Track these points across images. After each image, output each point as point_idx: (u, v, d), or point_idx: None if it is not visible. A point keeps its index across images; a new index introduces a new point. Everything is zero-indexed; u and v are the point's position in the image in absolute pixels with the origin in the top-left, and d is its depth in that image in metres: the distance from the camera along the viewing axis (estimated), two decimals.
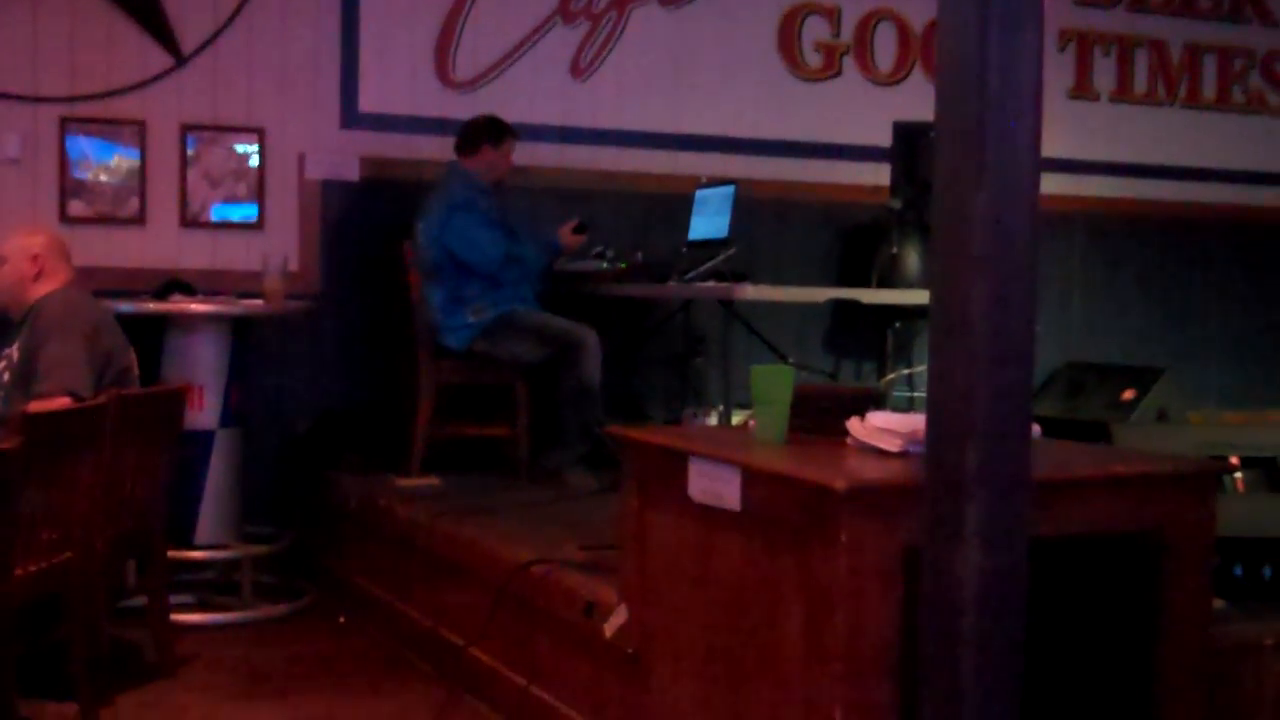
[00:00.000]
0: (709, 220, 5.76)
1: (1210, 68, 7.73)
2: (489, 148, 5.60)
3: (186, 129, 5.77)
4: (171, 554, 4.63)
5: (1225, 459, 3.61)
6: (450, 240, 5.42)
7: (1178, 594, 2.90)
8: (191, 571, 5.27)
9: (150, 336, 5.11)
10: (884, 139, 6.30)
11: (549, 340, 5.41)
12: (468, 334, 5.45)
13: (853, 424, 2.98)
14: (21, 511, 3.60)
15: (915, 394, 6.20)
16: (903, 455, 2.82)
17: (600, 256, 5.95)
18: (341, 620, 5.11)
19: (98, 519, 3.95)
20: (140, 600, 4.52)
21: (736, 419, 5.04)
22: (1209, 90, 7.73)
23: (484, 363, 5.51)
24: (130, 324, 4.65)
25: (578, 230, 5.72)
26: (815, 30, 6.83)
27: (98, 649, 3.97)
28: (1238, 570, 3.45)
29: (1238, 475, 3.73)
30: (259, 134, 5.87)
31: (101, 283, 5.15)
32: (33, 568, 3.69)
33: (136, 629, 4.53)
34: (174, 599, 4.73)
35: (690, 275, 5.42)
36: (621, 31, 6.45)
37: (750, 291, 5.12)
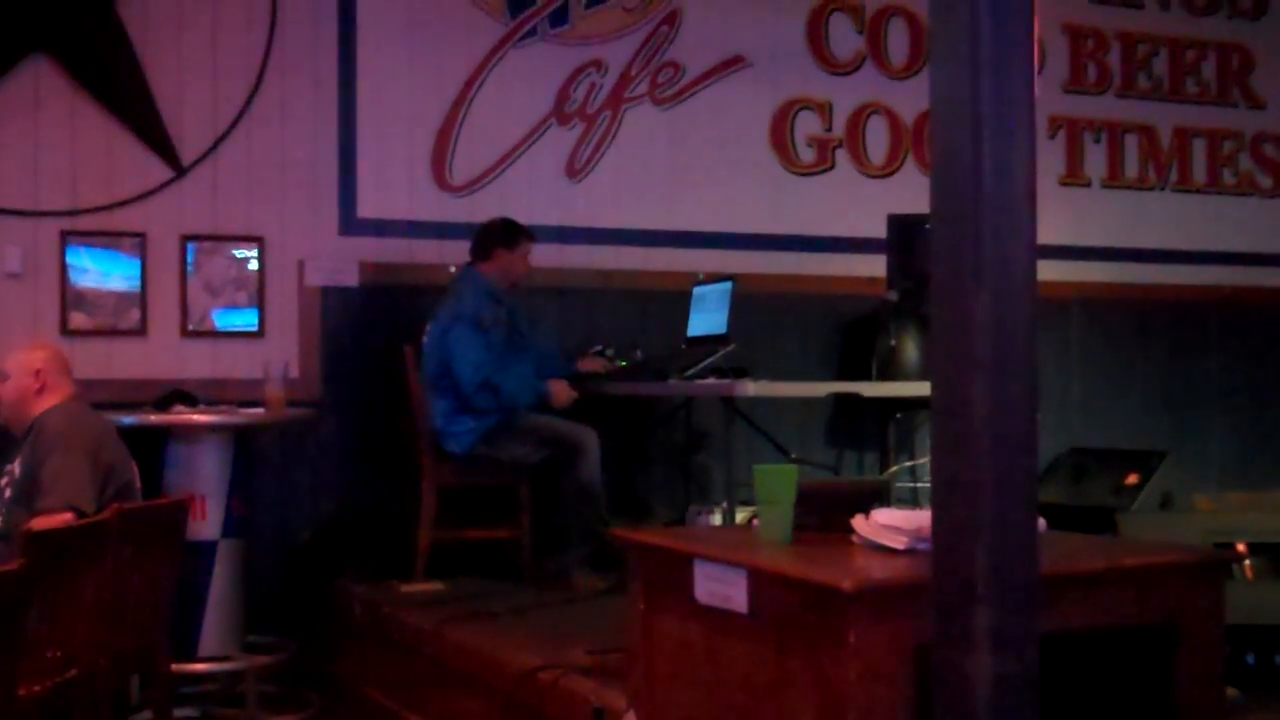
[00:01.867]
0: (708, 316, 5.78)
1: (1200, 151, 7.80)
2: (502, 251, 5.61)
3: (186, 239, 5.80)
4: (175, 667, 4.60)
5: (1233, 546, 3.59)
6: (446, 348, 5.44)
7: (1191, 685, 2.87)
8: (195, 684, 5.23)
9: (152, 447, 5.11)
10: (879, 230, 6.33)
11: (549, 442, 5.41)
12: (469, 439, 5.45)
13: (858, 521, 2.97)
14: (26, 631, 3.58)
15: (919, 484, 6.18)
16: (909, 553, 2.81)
17: (600, 355, 5.97)
18: None
19: (102, 635, 3.92)
20: (145, 715, 4.47)
21: (740, 516, 5.02)
22: (1199, 173, 7.79)
23: (485, 465, 5.50)
24: (132, 435, 4.66)
25: (603, 361, 5.81)
26: (807, 125, 6.89)
27: None
28: (1250, 658, 3.43)
29: (1246, 562, 3.71)
30: (259, 242, 5.90)
31: (103, 394, 5.16)
32: (37, 688, 3.65)
33: None
34: (178, 712, 4.69)
35: (690, 372, 5.43)
36: (616, 131, 6.51)
37: (751, 389, 5.11)
